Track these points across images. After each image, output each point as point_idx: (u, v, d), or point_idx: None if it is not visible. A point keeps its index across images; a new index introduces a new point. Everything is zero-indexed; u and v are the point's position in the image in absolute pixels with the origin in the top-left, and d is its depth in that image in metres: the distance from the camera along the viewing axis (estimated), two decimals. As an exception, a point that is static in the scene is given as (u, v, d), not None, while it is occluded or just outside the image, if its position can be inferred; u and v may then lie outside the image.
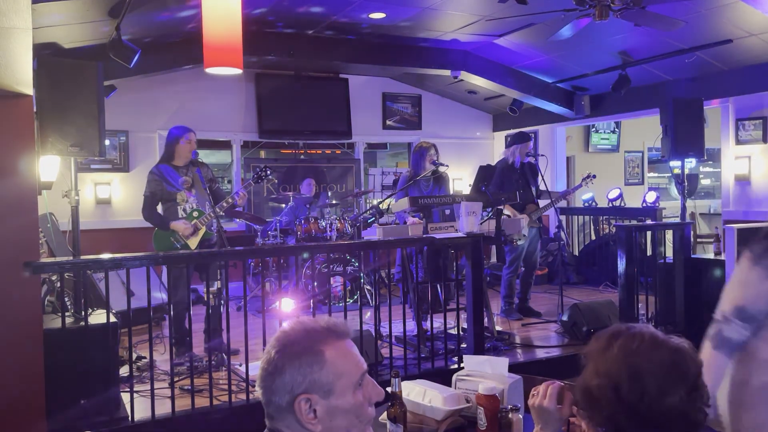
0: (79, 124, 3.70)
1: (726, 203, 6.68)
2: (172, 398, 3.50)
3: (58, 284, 3.63)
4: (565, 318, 5.09)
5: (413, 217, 5.12)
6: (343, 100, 8.30)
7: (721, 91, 6.48)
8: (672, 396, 1.28)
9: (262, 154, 8.82)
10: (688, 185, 6.26)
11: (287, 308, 5.61)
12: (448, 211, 5.36)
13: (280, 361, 1.28)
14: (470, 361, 2.40)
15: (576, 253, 8.46)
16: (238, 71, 3.37)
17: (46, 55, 4.77)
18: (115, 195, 7.23)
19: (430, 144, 5.44)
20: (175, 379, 3.74)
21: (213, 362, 3.95)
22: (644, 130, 9.90)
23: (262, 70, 7.80)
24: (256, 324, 4.09)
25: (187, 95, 7.46)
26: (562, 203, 7.14)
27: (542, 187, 5.77)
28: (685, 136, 5.76)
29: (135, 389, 3.51)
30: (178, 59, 6.35)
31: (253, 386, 3.19)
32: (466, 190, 7.87)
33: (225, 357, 4.03)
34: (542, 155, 5.99)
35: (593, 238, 8.69)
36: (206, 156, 8.66)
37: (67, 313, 3.39)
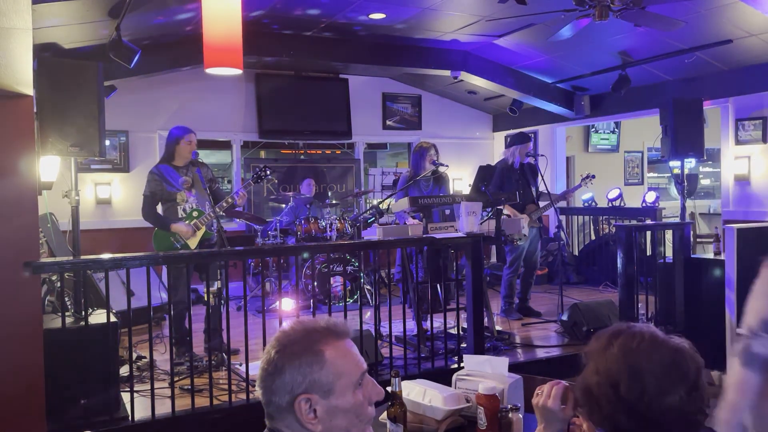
0: (79, 124, 3.70)
1: (726, 203, 6.68)
2: (172, 398, 3.50)
3: (58, 284, 3.64)
4: (565, 318, 5.10)
5: (413, 218, 5.12)
6: (343, 100, 8.30)
7: (721, 91, 6.48)
8: (672, 396, 1.28)
9: (262, 154, 8.84)
10: (687, 185, 6.26)
11: (287, 308, 5.62)
12: (448, 211, 5.36)
13: (280, 361, 1.28)
14: (470, 361, 2.40)
15: (576, 253, 8.47)
16: (238, 71, 3.38)
17: (46, 55, 4.77)
18: (115, 195, 7.24)
19: (430, 144, 5.44)
20: (175, 379, 3.73)
21: (213, 362, 3.95)
22: (644, 130, 9.90)
23: (262, 71, 7.80)
24: (256, 324, 4.09)
25: (187, 95, 7.47)
26: (562, 203, 7.15)
27: (542, 188, 5.78)
28: (685, 136, 5.76)
29: (135, 389, 3.51)
30: (178, 59, 6.34)
31: (253, 386, 3.20)
32: (466, 190, 7.86)
33: (225, 357, 4.03)
34: (542, 155, 5.99)
35: (593, 238, 8.69)
36: (206, 156, 8.69)
37: (67, 313, 3.39)
